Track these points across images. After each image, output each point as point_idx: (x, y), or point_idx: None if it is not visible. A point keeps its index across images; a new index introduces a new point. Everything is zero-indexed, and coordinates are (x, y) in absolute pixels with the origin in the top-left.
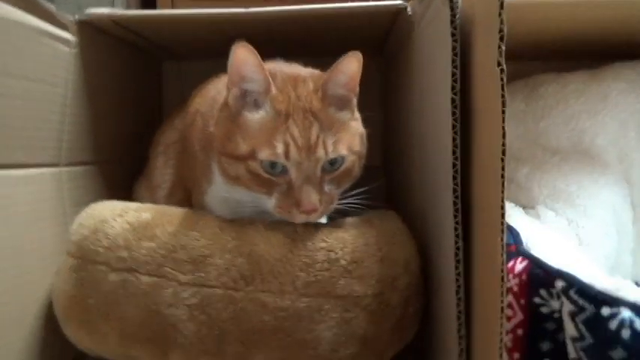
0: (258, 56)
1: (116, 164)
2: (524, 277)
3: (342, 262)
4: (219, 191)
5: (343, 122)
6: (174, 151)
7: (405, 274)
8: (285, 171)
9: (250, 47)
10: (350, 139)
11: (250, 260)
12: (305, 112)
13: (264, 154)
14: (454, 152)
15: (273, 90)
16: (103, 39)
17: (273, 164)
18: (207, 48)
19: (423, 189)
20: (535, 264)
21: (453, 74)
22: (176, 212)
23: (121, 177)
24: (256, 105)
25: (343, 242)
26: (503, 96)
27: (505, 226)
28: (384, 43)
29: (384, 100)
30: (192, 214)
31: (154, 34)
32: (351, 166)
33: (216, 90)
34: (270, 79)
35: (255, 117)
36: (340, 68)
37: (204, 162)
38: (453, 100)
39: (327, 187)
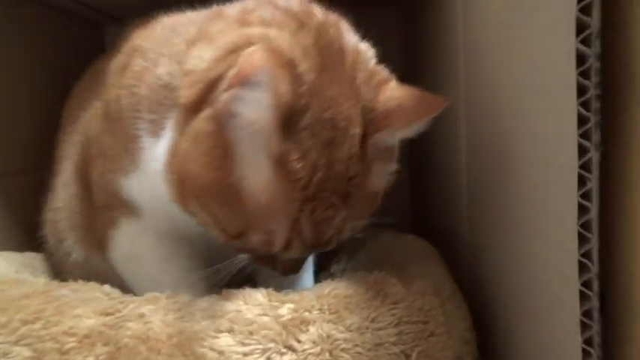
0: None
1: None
2: None
3: None
4: (154, 184)
5: (379, 186)
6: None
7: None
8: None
9: (278, 55)
10: (378, 199)
11: None
12: (335, 189)
13: (256, 241)
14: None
15: (289, 141)
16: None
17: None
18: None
19: (477, 195)
20: None
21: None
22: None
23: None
24: (260, 151)
25: None
26: None
27: None
28: None
29: (405, 70)
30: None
31: None
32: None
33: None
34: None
35: (256, 174)
36: (417, 119)
37: (131, 126)
38: (581, 58)
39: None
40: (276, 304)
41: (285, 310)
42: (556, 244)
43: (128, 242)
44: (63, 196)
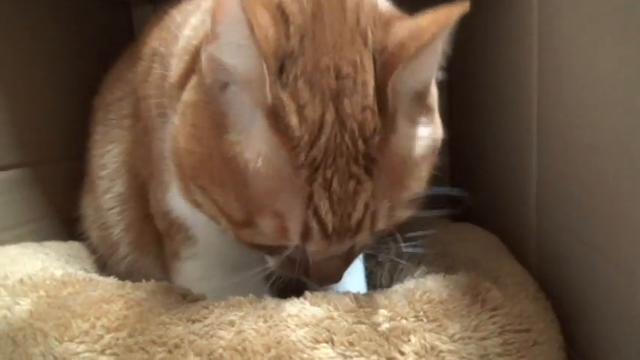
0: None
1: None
2: None
3: None
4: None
5: (411, 151)
6: (119, 114)
7: None
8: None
9: None
10: (418, 176)
11: None
12: (353, 154)
13: (268, 230)
14: None
15: (283, 92)
16: None
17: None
18: None
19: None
20: None
21: None
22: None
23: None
24: (251, 117)
25: None
26: None
27: None
28: None
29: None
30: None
31: None
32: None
33: (185, 15)
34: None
35: (251, 139)
36: (434, 35)
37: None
38: None
39: (359, 247)
40: (369, 309)
41: (381, 318)
42: None
43: (192, 281)
44: (108, 195)
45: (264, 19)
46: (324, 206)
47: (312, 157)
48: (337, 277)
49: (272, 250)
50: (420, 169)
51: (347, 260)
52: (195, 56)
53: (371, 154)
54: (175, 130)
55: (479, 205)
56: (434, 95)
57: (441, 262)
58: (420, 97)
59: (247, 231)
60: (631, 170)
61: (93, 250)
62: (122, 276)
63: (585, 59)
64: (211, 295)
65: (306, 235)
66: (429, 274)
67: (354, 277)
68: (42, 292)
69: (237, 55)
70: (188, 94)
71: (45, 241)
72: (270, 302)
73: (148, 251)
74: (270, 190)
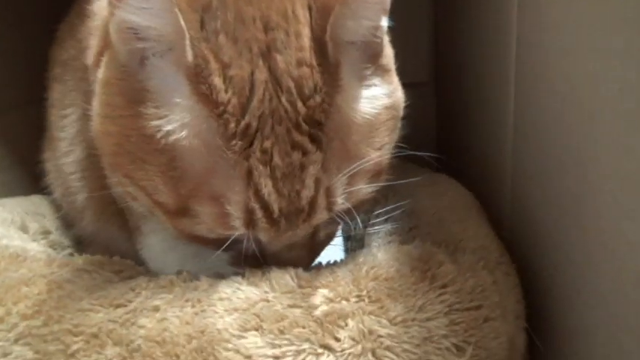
0: None
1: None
2: None
3: None
4: None
5: (363, 113)
6: (75, 76)
7: None
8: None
9: None
10: (378, 143)
11: None
12: (293, 119)
13: (206, 218)
14: None
15: (204, 47)
16: None
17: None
18: None
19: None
20: None
21: None
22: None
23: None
24: (172, 86)
25: None
26: None
27: None
28: None
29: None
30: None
31: None
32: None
33: None
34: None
35: (172, 117)
36: None
37: None
38: None
39: (323, 233)
40: (308, 289)
41: (319, 300)
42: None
43: (157, 253)
44: (69, 159)
45: None
46: (265, 184)
47: (245, 125)
48: (304, 266)
49: (219, 244)
50: (378, 136)
51: (312, 250)
52: (107, 31)
53: (314, 116)
54: (93, 112)
55: (460, 156)
56: (389, 55)
57: (406, 221)
58: (368, 52)
59: (185, 221)
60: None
61: (57, 207)
62: (87, 242)
63: None
64: (179, 265)
65: (249, 221)
66: (390, 237)
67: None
68: None
69: (148, 14)
70: (101, 72)
71: (10, 194)
72: (204, 282)
73: (111, 222)
74: (201, 168)
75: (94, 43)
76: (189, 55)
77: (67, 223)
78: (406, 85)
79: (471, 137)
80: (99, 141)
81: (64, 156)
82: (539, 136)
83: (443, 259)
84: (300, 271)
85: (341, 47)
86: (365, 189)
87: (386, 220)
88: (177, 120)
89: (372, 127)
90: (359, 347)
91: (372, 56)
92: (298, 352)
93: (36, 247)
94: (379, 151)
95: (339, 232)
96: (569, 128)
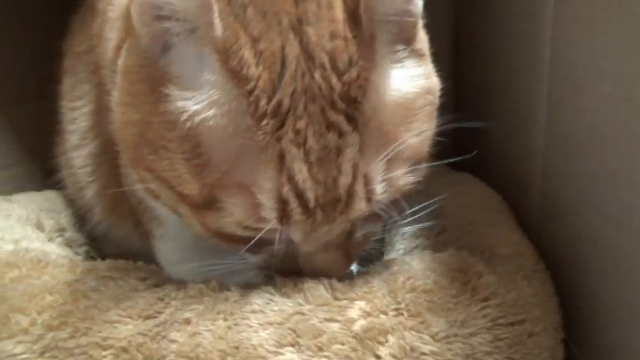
0: None
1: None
2: None
3: None
4: None
5: (401, 93)
6: (87, 69)
7: None
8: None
9: None
10: (417, 128)
11: None
12: (328, 96)
13: (235, 210)
14: None
15: (232, 22)
16: None
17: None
18: None
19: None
20: None
21: None
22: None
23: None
24: (199, 65)
25: None
26: None
27: None
28: None
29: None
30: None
31: None
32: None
33: None
34: None
35: (199, 97)
36: None
37: None
38: None
39: (360, 233)
40: (344, 301)
41: (357, 314)
42: None
43: (171, 263)
44: (79, 152)
45: None
46: (299, 170)
47: (277, 102)
48: (341, 270)
49: (246, 243)
50: (416, 121)
51: (348, 253)
52: (128, 19)
53: (350, 93)
54: (113, 102)
55: (482, 156)
56: (423, 40)
57: (433, 222)
58: (403, 33)
59: (211, 215)
60: None
61: (71, 202)
62: (101, 239)
63: None
64: (193, 277)
65: (283, 212)
66: (417, 240)
67: None
68: None
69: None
70: (122, 60)
71: (22, 189)
72: (235, 293)
73: (125, 219)
74: (228, 152)
75: (112, 35)
76: (219, 29)
77: (80, 218)
78: None
79: (493, 136)
80: (120, 132)
81: (74, 149)
82: (574, 134)
83: (482, 269)
84: (334, 281)
85: (375, 22)
86: (405, 177)
87: (410, 222)
88: (204, 99)
89: (409, 110)
90: None
91: (406, 38)
92: None
93: (55, 249)
94: (418, 138)
95: None
96: (608, 126)
